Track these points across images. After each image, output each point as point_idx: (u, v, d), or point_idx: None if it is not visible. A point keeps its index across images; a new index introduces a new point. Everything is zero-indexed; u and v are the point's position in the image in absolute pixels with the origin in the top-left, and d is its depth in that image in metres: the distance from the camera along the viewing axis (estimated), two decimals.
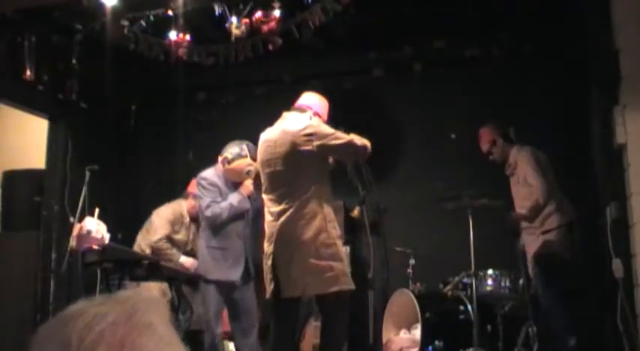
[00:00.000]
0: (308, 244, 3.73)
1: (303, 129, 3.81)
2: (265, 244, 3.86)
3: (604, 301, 4.70)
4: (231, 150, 4.73)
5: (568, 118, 5.57)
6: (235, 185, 4.78)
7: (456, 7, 5.43)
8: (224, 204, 4.67)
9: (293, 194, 3.78)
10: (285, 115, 4.03)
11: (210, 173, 4.78)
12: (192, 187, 5.77)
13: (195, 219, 5.79)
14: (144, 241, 5.61)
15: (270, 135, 3.97)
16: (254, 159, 4.71)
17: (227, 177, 4.76)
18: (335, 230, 3.83)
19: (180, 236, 5.71)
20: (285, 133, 3.86)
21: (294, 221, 3.75)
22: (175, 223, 5.69)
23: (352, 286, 3.81)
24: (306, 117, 3.96)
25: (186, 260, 5.53)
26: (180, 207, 5.76)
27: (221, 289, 4.70)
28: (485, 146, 5.14)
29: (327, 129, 3.84)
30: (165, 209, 5.74)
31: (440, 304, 5.02)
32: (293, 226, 3.74)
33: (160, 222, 5.63)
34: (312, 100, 4.09)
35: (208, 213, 4.67)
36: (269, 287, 3.78)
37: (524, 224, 4.97)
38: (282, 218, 3.77)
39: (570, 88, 5.46)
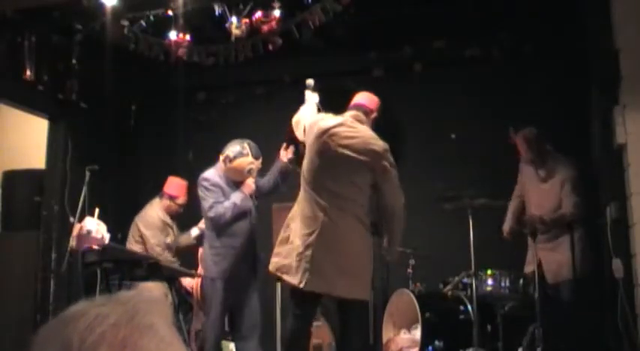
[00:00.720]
0: (348, 248, 3.78)
1: (375, 144, 3.85)
2: (304, 231, 3.82)
3: (604, 301, 4.70)
4: (233, 148, 4.72)
5: (568, 118, 5.56)
6: (237, 184, 4.77)
7: (456, 7, 5.43)
8: (227, 203, 4.67)
9: (344, 197, 3.82)
10: (356, 114, 4.00)
11: (211, 174, 4.77)
12: (168, 187, 5.74)
13: (172, 217, 5.78)
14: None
15: (338, 128, 3.89)
16: (256, 158, 4.71)
17: (228, 176, 4.75)
18: (369, 241, 3.89)
19: (170, 238, 5.69)
20: (357, 135, 3.87)
21: (339, 223, 3.79)
22: (163, 228, 5.67)
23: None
24: (370, 123, 3.99)
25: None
26: (158, 209, 5.71)
27: (225, 287, 4.70)
28: (530, 152, 5.06)
29: (393, 162, 3.89)
30: (150, 218, 5.65)
31: (440, 304, 5.02)
32: (337, 228, 3.78)
33: (152, 234, 5.59)
34: (374, 104, 4.07)
35: (212, 214, 4.66)
36: (301, 277, 3.76)
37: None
38: (329, 215, 3.78)
39: (570, 88, 5.46)
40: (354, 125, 3.90)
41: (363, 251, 3.83)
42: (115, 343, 0.73)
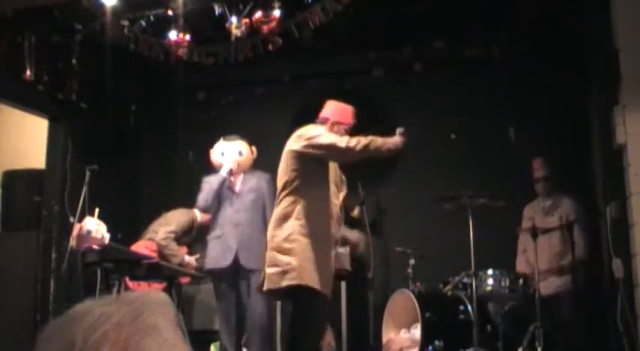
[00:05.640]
0: None
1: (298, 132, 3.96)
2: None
3: (604, 301, 4.70)
4: None
5: (568, 118, 5.57)
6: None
7: (456, 7, 5.42)
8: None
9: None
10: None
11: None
12: None
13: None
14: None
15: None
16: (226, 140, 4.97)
17: None
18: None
19: (184, 239, 5.66)
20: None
21: None
22: (186, 230, 5.64)
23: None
24: (332, 130, 4.01)
25: (190, 260, 5.47)
26: (194, 214, 5.70)
27: (219, 281, 4.71)
28: (543, 170, 5.18)
29: (318, 131, 3.90)
30: (180, 215, 5.67)
31: (440, 304, 5.01)
32: None
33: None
34: (327, 112, 4.12)
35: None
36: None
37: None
38: None
39: (570, 88, 5.46)
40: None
41: None
42: (118, 342, 0.73)
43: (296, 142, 3.90)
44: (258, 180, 4.87)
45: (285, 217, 3.84)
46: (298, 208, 3.85)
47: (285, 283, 3.73)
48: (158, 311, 0.77)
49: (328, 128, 4.00)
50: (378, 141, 3.87)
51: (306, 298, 3.72)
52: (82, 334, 0.73)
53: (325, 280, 3.79)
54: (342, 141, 3.85)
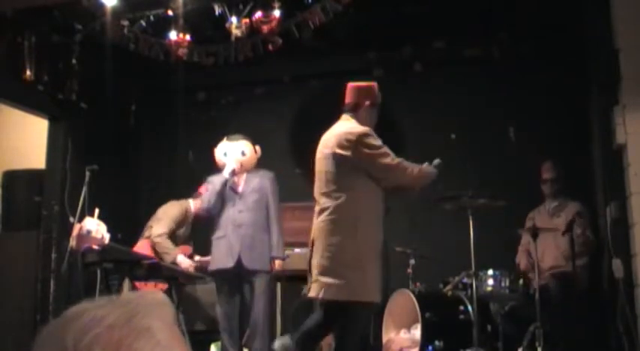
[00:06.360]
0: None
1: (345, 133, 3.78)
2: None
3: (604, 301, 4.69)
4: None
5: (568, 118, 5.57)
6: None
7: (456, 7, 5.42)
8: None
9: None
10: (344, 116, 3.94)
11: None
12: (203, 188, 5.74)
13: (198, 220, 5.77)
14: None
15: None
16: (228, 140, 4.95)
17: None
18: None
19: (181, 231, 5.65)
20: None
21: None
22: (180, 222, 5.63)
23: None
24: (365, 114, 3.89)
25: (183, 260, 5.46)
26: (187, 205, 5.69)
27: (222, 282, 4.72)
28: (552, 173, 5.26)
29: (377, 141, 3.77)
30: (172, 208, 5.68)
31: (440, 304, 5.01)
32: None
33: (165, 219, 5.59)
34: (354, 96, 3.95)
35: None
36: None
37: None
38: None
39: (570, 88, 5.46)
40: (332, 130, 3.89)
41: None
42: (110, 344, 0.72)
43: (346, 147, 3.70)
44: (261, 179, 4.84)
45: (347, 223, 3.68)
46: (363, 217, 3.71)
47: (349, 298, 3.65)
48: (153, 312, 0.77)
49: (362, 116, 3.87)
50: (428, 169, 3.86)
51: (363, 311, 3.74)
52: (73, 336, 0.73)
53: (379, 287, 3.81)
54: (400, 167, 3.76)
